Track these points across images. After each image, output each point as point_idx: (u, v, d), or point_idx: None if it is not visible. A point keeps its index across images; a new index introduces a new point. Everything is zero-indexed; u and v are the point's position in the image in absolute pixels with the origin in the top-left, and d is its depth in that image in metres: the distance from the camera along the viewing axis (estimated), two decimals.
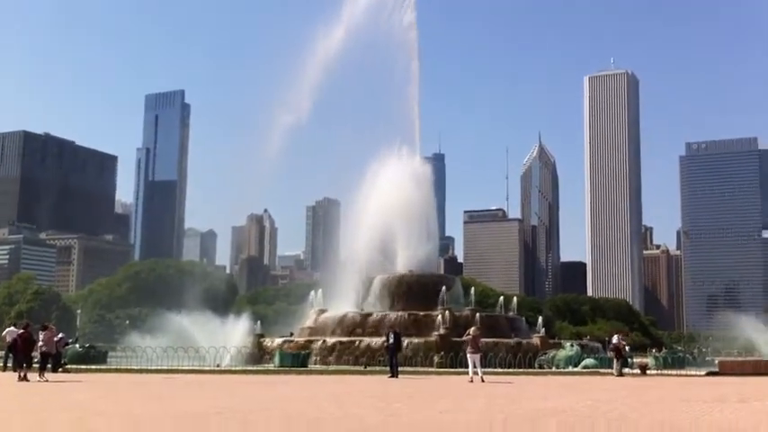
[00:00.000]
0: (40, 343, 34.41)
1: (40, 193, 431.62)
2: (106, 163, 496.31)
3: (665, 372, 44.78)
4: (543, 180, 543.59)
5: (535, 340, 56.10)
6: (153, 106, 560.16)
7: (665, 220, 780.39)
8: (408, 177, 72.36)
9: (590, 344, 65.26)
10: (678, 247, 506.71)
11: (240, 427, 15.94)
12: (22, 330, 34.86)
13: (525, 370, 45.40)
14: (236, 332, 59.50)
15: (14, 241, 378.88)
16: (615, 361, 40.11)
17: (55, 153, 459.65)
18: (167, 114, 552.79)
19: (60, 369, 39.24)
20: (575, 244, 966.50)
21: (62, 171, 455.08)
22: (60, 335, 42.42)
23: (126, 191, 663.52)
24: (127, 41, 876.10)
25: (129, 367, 44.24)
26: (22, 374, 31.56)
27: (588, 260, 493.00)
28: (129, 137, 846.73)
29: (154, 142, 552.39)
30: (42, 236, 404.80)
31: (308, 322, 63.41)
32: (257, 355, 55.94)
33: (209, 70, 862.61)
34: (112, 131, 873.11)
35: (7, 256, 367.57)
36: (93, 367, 44.38)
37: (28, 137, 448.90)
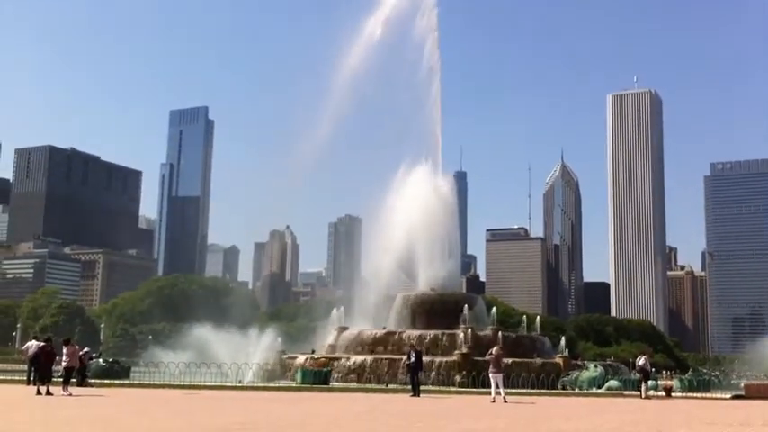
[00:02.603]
0: (64, 357, 34.60)
1: (65, 207, 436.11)
2: (130, 178, 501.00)
3: (691, 394, 44.24)
4: (566, 199, 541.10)
5: (558, 361, 55.62)
6: (177, 122, 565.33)
7: (689, 240, 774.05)
8: (431, 194, 72.31)
9: (614, 365, 64.64)
10: (703, 269, 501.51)
11: None
12: (43, 344, 34.98)
13: (548, 391, 44.99)
14: (258, 348, 59.66)
15: (39, 255, 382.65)
16: (642, 383, 39.64)
17: (80, 168, 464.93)
18: (191, 130, 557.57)
19: (84, 383, 39.42)
20: (598, 264, 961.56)
21: (87, 186, 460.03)
22: (85, 349, 42.77)
23: (150, 206, 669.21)
24: (152, 58, 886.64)
25: (151, 382, 44.40)
26: (42, 389, 31.53)
27: (612, 280, 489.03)
28: (153, 152, 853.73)
29: (178, 158, 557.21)
30: (67, 250, 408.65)
31: (330, 339, 63.39)
32: (279, 372, 56.01)
33: (233, 87, 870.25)
34: (137, 147, 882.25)
35: (32, 270, 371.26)
36: (117, 382, 44.59)
37: (54, 152, 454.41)
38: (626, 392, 43.39)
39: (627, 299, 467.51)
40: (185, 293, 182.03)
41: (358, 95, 79.17)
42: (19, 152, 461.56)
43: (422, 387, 37.50)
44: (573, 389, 48.14)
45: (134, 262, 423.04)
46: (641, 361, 41.00)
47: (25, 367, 43.82)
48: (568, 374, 51.21)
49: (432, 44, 79.83)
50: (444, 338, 56.61)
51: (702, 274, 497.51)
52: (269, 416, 24.18)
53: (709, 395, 43.27)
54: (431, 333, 57.58)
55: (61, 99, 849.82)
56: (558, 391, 46.37)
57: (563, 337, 72.25)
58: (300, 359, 56.63)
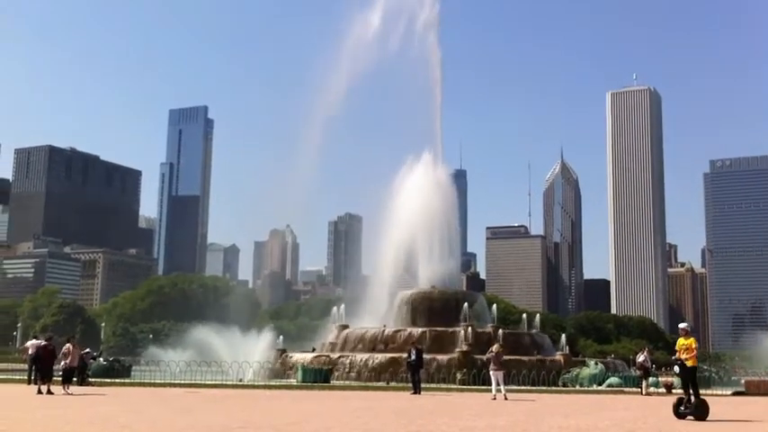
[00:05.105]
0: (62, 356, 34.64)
1: (65, 207, 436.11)
2: (130, 177, 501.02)
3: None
4: (566, 196, 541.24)
5: (558, 358, 55.65)
6: (177, 121, 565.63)
7: (689, 237, 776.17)
8: (431, 188, 72.32)
9: (614, 362, 64.69)
10: (703, 265, 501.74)
11: None
12: (44, 343, 35.03)
13: (548, 388, 44.95)
14: (259, 347, 59.71)
15: (39, 255, 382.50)
16: (643, 379, 39.64)
17: (80, 167, 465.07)
18: (191, 129, 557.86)
19: (85, 382, 39.48)
20: (598, 261, 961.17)
21: (87, 185, 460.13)
22: (87, 350, 42.88)
23: (150, 205, 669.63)
24: (151, 57, 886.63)
25: (152, 381, 44.41)
26: (43, 388, 31.56)
27: (612, 278, 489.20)
28: (152, 152, 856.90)
29: (177, 157, 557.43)
30: (67, 250, 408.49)
31: (331, 338, 63.42)
32: (279, 371, 56.03)
33: (232, 86, 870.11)
34: (137, 146, 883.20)
35: (32, 270, 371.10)
36: (118, 381, 44.60)
37: (53, 151, 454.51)
38: (626, 389, 43.40)
39: (627, 296, 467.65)
40: (185, 293, 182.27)
41: (357, 93, 79.31)
42: (18, 152, 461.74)
43: (422, 385, 37.50)
44: (573, 386, 48.14)
45: (134, 261, 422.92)
46: (641, 358, 41.01)
47: (26, 366, 43.88)
48: (569, 372, 51.19)
49: (432, 41, 79.85)
50: (445, 336, 56.62)
51: (702, 270, 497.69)
52: (269, 414, 24.20)
53: (709, 392, 43.18)
54: (431, 331, 57.58)
55: (61, 98, 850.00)
56: (558, 388, 46.33)
57: (563, 335, 72.38)
58: (301, 357, 56.66)
